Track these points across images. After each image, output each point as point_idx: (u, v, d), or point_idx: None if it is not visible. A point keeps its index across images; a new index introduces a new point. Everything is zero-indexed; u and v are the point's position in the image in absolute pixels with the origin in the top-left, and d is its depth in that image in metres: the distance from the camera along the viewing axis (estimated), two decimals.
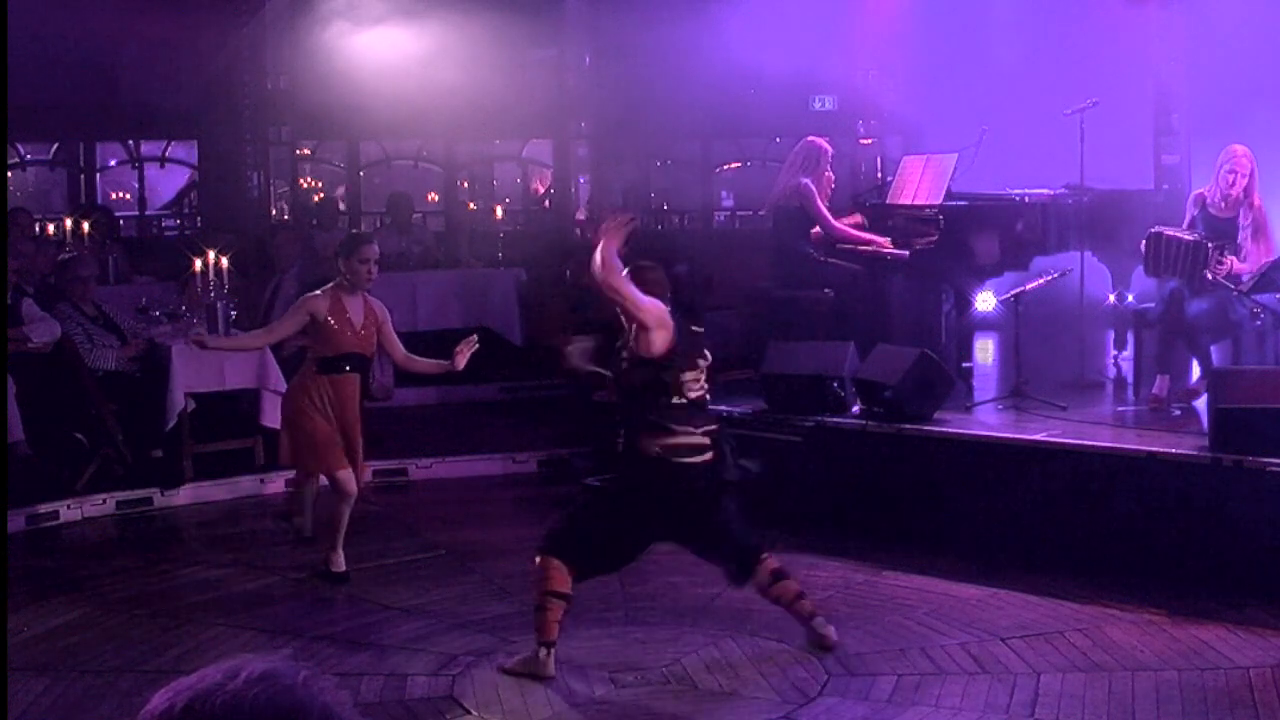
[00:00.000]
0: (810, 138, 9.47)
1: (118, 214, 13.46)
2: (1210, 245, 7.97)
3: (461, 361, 6.99)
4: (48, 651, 6.15)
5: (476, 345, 7.09)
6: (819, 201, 9.16)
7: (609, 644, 6.16)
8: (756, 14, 11.64)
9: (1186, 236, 8.14)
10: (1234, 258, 7.98)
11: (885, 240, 9.18)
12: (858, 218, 9.54)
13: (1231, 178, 8.10)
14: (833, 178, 9.43)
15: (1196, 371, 8.33)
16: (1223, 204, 8.20)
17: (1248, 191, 8.11)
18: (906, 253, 8.99)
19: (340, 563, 7.12)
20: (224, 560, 7.62)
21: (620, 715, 5.40)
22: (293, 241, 10.97)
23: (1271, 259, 8.02)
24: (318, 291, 7.12)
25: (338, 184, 13.94)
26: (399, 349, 7.27)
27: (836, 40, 12.04)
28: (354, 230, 6.59)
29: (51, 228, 12.34)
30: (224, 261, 9.15)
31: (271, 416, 8.53)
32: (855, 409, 7.99)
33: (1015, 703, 5.40)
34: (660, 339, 5.60)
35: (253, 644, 6.17)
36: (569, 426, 10.10)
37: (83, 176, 13.04)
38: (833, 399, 8.03)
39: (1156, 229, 8.26)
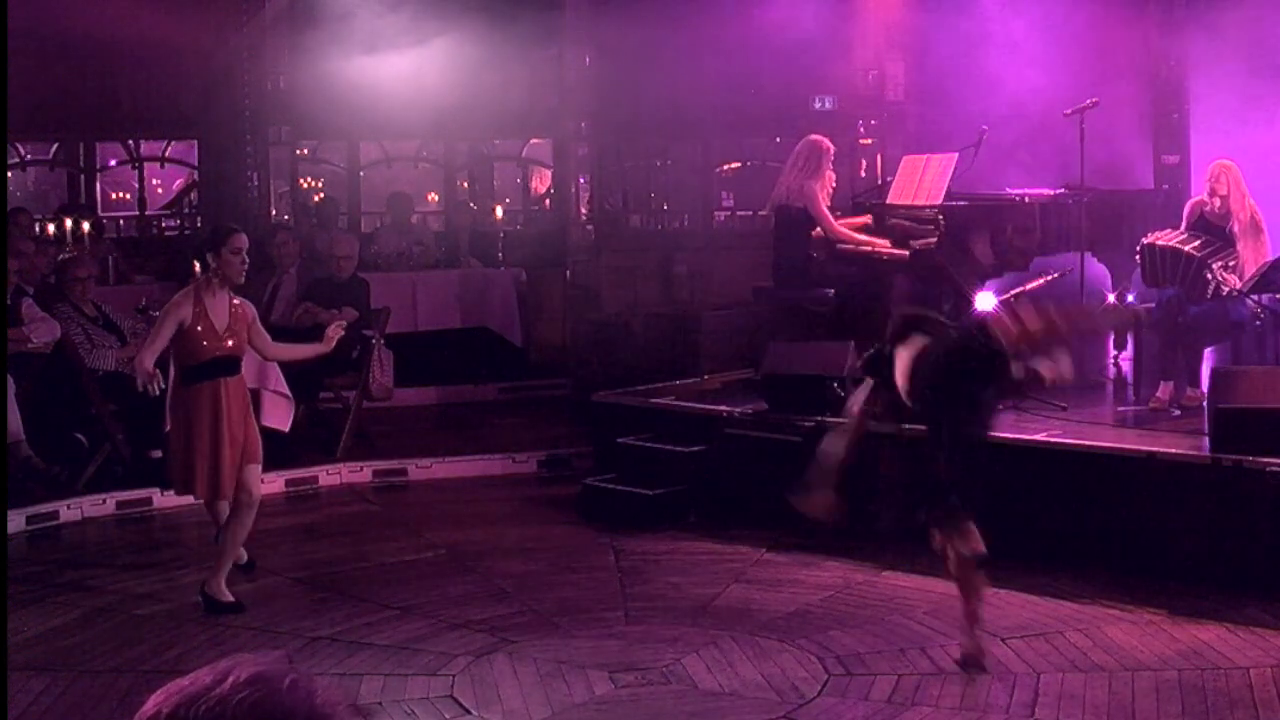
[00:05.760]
0: (812, 136, 9.43)
1: (118, 214, 13.46)
2: (1213, 263, 7.97)
3: (331, 343, 6.88)
4: (48, 651, 6.15)
5: (344, 328, 7.04)
6: (821, 203, 9.16)
7: (609, 644, 6.16)
8: (756, 13, 11.63)
9: (1183, 246, 8.14)
10: (1234, 275, 7.99)
11: (885, 242, 9.17)
12: (866, 218, 9.50)
13: (1215, 201, 8.19)
14: (833, 176, 9.42)
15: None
16: (1219, 210, 8.24)
17: (1229, 199, 8.15)
18: (906, 253, 8.98)
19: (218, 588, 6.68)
20: None
21: (620, 715, 5.40)
22: (293, 241, 10.98)
23: (1270, 259, 8.03)
24: (178, 296, 6.76)
25: (338, 184, 13.91)
26: (270, 347, 7.03)
27: (836, 40, 12.03)
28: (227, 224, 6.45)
29: (51, 228, 12.33)
30: None
31: (271, 417, 8.52)
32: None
33: (1015, 703, 5.40)
34: None
35: (252, 644, 6.16)
36: (569, 427, 10.11)
37: (83, 176, 13.02)
38: (833, 399, 8.02)
39: (1149, 240, 8.29)
